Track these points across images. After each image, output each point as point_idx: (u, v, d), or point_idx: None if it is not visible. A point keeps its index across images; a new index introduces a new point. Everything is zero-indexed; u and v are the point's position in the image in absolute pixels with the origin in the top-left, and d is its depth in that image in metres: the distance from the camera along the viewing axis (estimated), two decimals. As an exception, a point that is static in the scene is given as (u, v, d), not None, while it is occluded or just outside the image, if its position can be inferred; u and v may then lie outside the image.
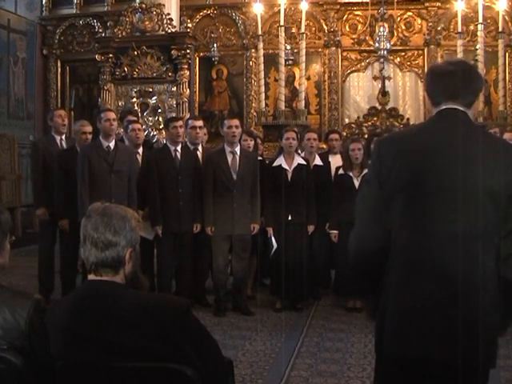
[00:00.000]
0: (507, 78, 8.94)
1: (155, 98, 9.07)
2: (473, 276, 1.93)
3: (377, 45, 8.63)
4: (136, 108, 8.88)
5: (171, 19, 9.00)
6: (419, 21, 9.54)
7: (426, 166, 1.99)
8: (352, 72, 9.77)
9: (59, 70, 10.78)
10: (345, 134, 8.76)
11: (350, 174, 5.45)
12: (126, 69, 9.04)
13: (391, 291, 2.02)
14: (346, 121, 9.75)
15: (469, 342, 1.92)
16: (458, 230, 1.94)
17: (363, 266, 2.16)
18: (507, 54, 8.93)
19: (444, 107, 2.07)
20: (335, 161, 5.89)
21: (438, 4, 9.37)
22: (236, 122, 5.46)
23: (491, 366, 2.02)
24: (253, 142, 5.93)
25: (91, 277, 1.94)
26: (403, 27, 9.54)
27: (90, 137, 5.61)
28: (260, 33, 8.52)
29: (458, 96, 2.05)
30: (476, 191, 1.95)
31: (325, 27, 9.70)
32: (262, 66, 8.43)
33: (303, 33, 8.35)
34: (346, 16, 9.72)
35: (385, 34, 8.57)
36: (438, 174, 1.98)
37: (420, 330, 1.95)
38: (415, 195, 1.99)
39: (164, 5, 9.05)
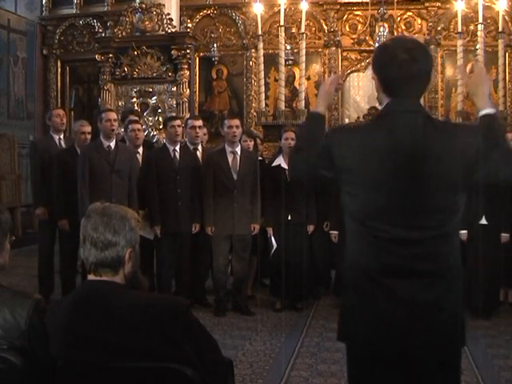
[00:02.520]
0: (507, 77, 8.94)
1: (155, 97, 9.07)
2: (440, 271, 1.96)
3: (377, 45, 8.62)
4: (136, 108, 8.87)
5: (171, 19, 9.00)
6: (419, 21, 9.53)
7: (383, 164, 1.95)
8: (352, 72, 9.77)
9: (59, 70, 10.77)
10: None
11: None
12: (125, 69, 9.05)
13: (353, 289, 2.05)
14: (346, 121, 9.74)
15: (444, 332, 1.97)
16: (421, 229, 1.94)
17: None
18: (507, 54, 8.92)
19: (397, 96, 2.02)
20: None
21: (438, 4, 9.36)
22: (236, 121, 5.46)
23: (463, 345, 2.09)
24: (252, 143, 5.93)
25: (91, 277, 1.94)
26: (403, 27, 9.52)
27: (89, 137, 5.62)
28: (260, 33, 8.51)
29: (415, 86, 2.01)
30: (440, 185, 1.94)
31: (325, 27, 9.69)
32: (261, 66, 8.43)
33: (303, 33, 8.35)
34: (346, 16, 9.72)
35: (385, 34, 8.57)
36: (392, 167, 1.95)
37: (388, 326, 1.97)
38: (374, 193, 1.97)
39: (164, 5, 9.05)
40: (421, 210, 1.94)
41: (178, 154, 5.47)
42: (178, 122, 5.66)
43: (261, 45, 8.42)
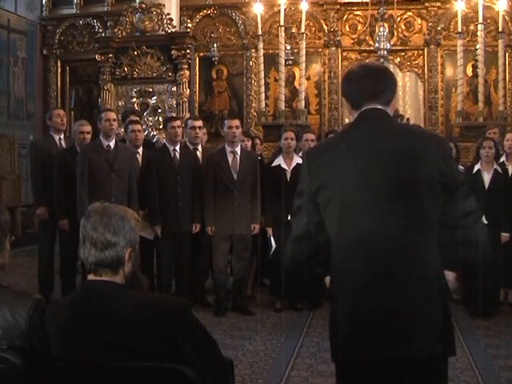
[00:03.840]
0: (507, 77, 8.93)
1: (155, 97, 9.07)
2: (408, 269, 1.96)
3: (377, 45, 8.62)
4: (137, 108, 8.88)
5: (171, 19, 9.00)
6: (419, 21, 9.53)
7: (353, 169, 2.03)
8: (352, 72, 9.76)
9: (59, 70, 10.76)
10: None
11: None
12: (126, 69, 9.04)
13: (336, 299, 2.07)
14: (346, 121, 9.72)
15: (412, 337, 1.95)
16: (395, 228, 1.97)
17: (298, 270, 2.26)
18: (507, 54, 8.92)
19: (365, 108, 2.12)
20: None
21: (438, 4, 9.35)
22: (236, 122, 5.46)
23: (450, 354, 2.05)
24: (250, 142, 5.93)
25: (91, 277, 1.94)
26: (403, 27, 9.52)
27: (88, 137, 5.62)
28: (260, 33, 8.52)
29: (377, 96, 2.11)
30: (408, 186, 1.99)
31: (325, 27, 9.69)
32: (261, 66, 8.44)
33: (303, 33, 8.36)
34: (346, 16, 9.71)
35: (385, 33, 8.57)
36: (365, 174, 2.01)
37: (364, 330, 1.98)
38: (345, 201, 2.03)
39: (164, 5, 9.04)
40: (392, 213, 1.98)
41: (178, 154, 5.47)
42: (178, 122, 5.66)
43: (261, 45, 8.43)
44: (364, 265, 1.99)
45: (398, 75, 9.58)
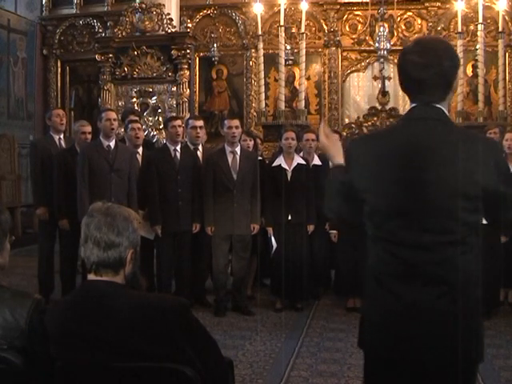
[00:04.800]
0: (507, 77, 8.93)
1: (155, 97, 9.07)
2: (453, 282, 1.90)
3: (377, 45, 8.62)
4: (136, 108, 8.88)
5: (171, 19, 9.00)
6: (419, 21, 9.53)
7: (400, 169, 1.92)
8: (352, 72, 9.76)
9: (59, 70, 10.77)
10: (345, 134, 8.75)
11: (350, 173, 5.44)
12: (126, 69, 9.05)
13: (371, 296, 2.02)
14: (346, 121, 9.74)
15: (452, 343, 1.89)
16: (437, 235, 1.90)
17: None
18: (507, 54, 8.92)
19: (417, 104, 1.98)
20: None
21: (438, 4, 9.36)
22: (236, 122, 5.46)
23: (479, 361, 2.00)
24: (252, 142, 5.92)
25: (91, 276, 1.93)
26: (403, 27, 9.53)
27: (89, 137, 5.62)
28: (260, 33, 8.52)
29: (433, 91, 1.94)
30: (453, 194, 1.88)
31: (325, 27, 9.69)
32: (261, 66, 8.43)
33: (303, 33, 8.35)
34: (346, 16, 9.72)
35: (385, 34, 8.56)
36: (413, 176, 1.91)
37: (402, 334, 1.93)
38: (390, 199, 1.94)
39: (164, 5, 9.05)
40: (431, 215, 1.90)
41: (178, 154, 5.47)
42: (179, 121, 5.66)
43: (261, 45, 8.42)
44: (403, 271, 1.92)
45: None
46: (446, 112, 1.99)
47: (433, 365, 1.92)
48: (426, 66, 1.92)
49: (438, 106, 1.96)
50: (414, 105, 1.99)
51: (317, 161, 5.80)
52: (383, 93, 9.21)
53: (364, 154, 2.02)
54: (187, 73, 9.03)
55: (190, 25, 9.61)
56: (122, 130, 6.40)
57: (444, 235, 1.90)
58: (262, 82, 8.47)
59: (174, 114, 8.32)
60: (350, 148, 2.12)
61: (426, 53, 1.93)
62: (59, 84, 10.77)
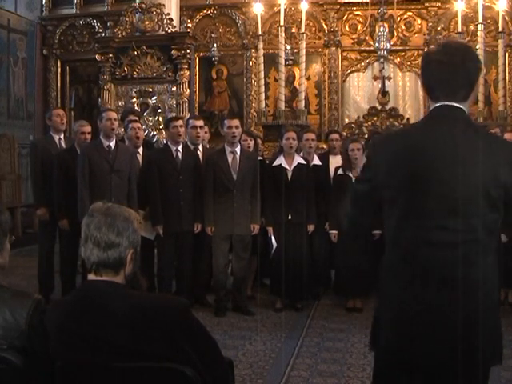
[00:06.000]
0: (507, 77, 8.93)
1: (155, 97, 9.08)
2: (472, 281, 1.89)
3: (377, 45, 8.62)
4: (136, 108, 8.88)
5: (171, 19, 9.00)
6: (419, 21, 9.54)
7: (422, 167, 1.93)
8: (352, 72, 9.77)
9: (59, 70, 10.77)
10: (345, 134, 8.75)
11: (350, 174, 5.44)
12: (126, 69, 9.05)
13: (388, 297, 2.01)
14: (346, 121, 9.75)
15: (471, 345, 1.88)
16: (457, 234, 1.89)
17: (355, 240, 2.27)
18: (507, 54, 8.92)
19: (439, 104, 1.99)
20: (336, 161, 5.88)
21: (438, 4, 9.36)
22: (236, 122, 5.46)
23: (496, 363, 2.00)
24: (253, 142, 5.92)
25: (91, 276, 1.93)
26: (403, 27, 9.53)
27: (89, 137, 5.62)
28: (260, 33, 8.52)
29: (455, 91, 1.96)
30: (474, 193, 1.89)
31: (325, 27, 9.70)
32: (261, 66, 8.43)
33: (303, 33, 8.35)
34: (346, 16, 9.72)
35: (385, 33, 8.57)
36: (434, 175, 1.91)
37: (420, 334, 1.92)
38: (411, 198, 1.94)
39: (164, 5, 9.05)
40: (452, 215, 1.90)
41: (180, 154, 5.46)
42: (180, 122, 5.65)
43: (261, 45, 8.43)
44: (422, 271, 1.92)
45: (398, 75, 9.60)
46: (468, 112, 2.00)
47: (448, 366, 1.91)
48: (450, 66, 1.95)
49: (461, 106, 1.98)
50: (436, 104, 2.00)
51: (317, 161, 5.81)
52: (383, 93, 9.22)
53: (386, 153, 2.03)
54: (187, 73, 9.03)
55: (189, 25, 9.61)
56: (122, 129, 6.40)
57: (464, 234, 1.90)
58: (262, 82, 8.47)
59: (174, 114, 8.32)
60: (374, 145, 2.15)
61: (451, 54, 1.97)
62: (59, 84, 10.77)
